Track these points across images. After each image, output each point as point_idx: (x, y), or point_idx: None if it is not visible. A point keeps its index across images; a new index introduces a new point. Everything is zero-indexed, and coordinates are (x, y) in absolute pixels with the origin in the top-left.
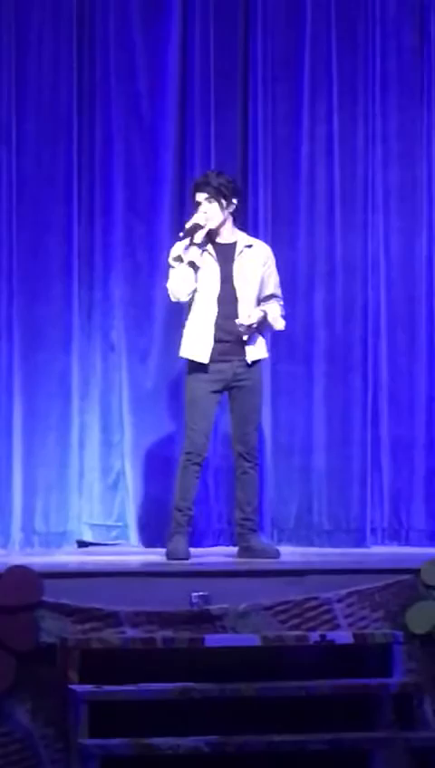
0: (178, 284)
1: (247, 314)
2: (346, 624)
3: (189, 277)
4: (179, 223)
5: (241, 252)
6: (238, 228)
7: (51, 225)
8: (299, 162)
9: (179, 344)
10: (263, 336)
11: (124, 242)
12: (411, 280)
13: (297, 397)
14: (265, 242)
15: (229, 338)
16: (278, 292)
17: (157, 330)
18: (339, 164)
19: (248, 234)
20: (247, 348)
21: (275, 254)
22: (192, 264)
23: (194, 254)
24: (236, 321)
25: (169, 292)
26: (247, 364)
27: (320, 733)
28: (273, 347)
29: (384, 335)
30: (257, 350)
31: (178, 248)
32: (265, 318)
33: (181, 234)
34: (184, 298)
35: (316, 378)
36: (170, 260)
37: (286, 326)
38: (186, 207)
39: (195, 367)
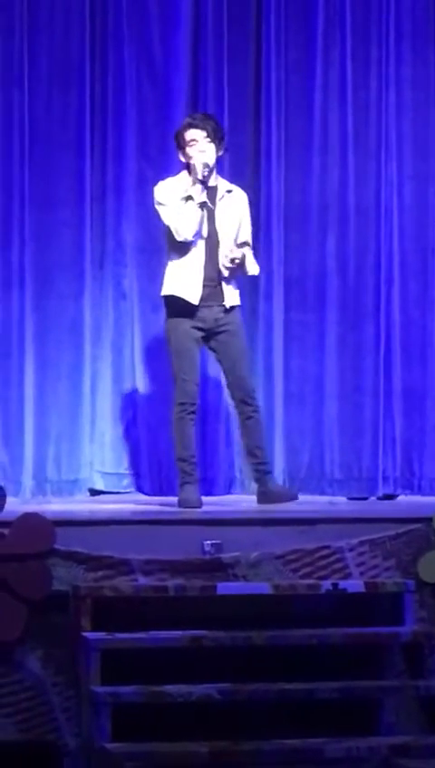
0: (187, 224)
1: (229, 250)
2: (358, 573)
3: (198, 217)
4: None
5: (222, 197)
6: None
7: (62, 171)
8: (312, 109)
9: None
10: (238, 284)
11: (136, 188)
12: (424, 228)
13: (309, 345)
14: (278, 188)
15: (211, 282)
16: (250, 240)
17: None
18: (352, 111)
19: (261, 181)
20: (226, 293)
21: (288, 201)
22: (203, 204)
23: (203, 194)
24: (222, 254)
25: (176, 230)
26: (226, 309)
27: (330, 681)
28: (285, 294)
29: (397, 283)
30: (234, 297)
31: (172, 187)
32: (242, 260)
33: (201, 174)
34: (191, 237)
35: (328, 326)
36: (177, 199)
37: (298, 272)
38: None
39: (178, 311)
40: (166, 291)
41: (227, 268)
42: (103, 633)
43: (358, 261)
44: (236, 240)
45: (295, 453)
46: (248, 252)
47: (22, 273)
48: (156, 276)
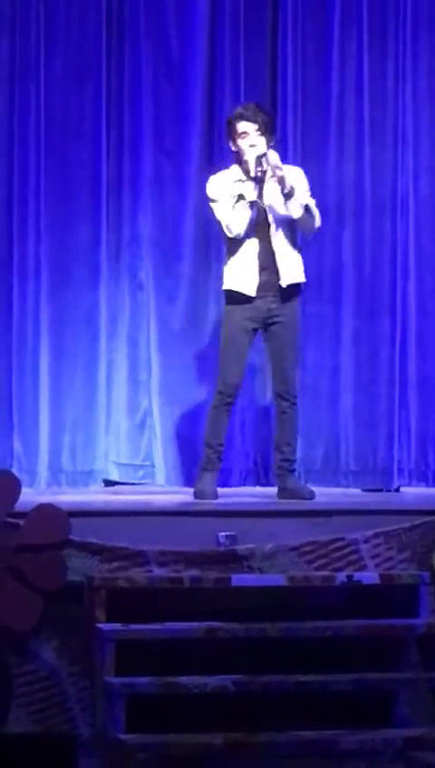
0: (239, 222)
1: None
2: (373, 565)
3: (249, 215)
4: (208, 161)
5: (272, 177)
6: None
7: (79, 163)
8: (329, 100)
9: (207, 284)
10: (299, 253)
11: (152, 180)
12: None
13: (325, 337)
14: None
15: (266, 269)
16: (310, 201)
17: (185, 270)
18: (369, 102)
19: None
20: (282, 274)
21: None
22: (253, 203)
23: (254, 192)
24: (273, 234)
25: (228, 228)
26: (281, 298)
27: (345, 673)
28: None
29: (413, 275)
30: (292, 274)
31: (223, 182)
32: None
33: (254, 172)
34: (243, 233)
35: (344, 318)
36: (227, 198)
37: (314, 265)
38: (214, 146)
39: (234, 300)
40: (225, 285)
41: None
42: (118, 624)
43: (374, 253)
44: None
45: (311, 445)
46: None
47: (38, 264)
48: (172, 268)
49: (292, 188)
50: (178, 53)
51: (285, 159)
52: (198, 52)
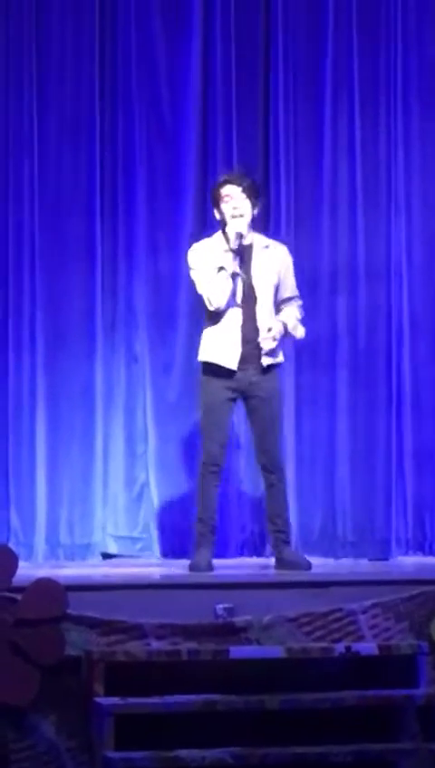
0: (219, 295)
1: (267, 328)
2: (371, 635)
3: (230, 287)
4: (202, 230)
5: (258, 253)
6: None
7: (73, 234)
8: (321, 169)
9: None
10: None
11: (147, 251)
12: (434, 287)
13: (320, 407)
14: (288, 249)
15: (248, 344)
16: (296, 293)
17: (180, 341)
18: (361, 171)
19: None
20: (263, 354)
21: (297, 261)
22: (235, 275)
23: (235, 263)
24: (259, 339)
25: (209, 301)
26: (262, 370)
27: (345, 744)
28: (296, 356)
29: (407, 344)
30: (273, 355)
31: (205, 250)
32: (285, 329)
33: (235, 244)
34: (223, 307)
35: (339, 388)
36: (208, 269)
37: (309, 335)
38: (208, 216)
39: (213, 372)
40: (202, 356)
41: (266, 346)
42: (116, 698)
43: (368, 321)
44: (277, 299)
45: (308, 515)
46: (292, 311)
47: (33, 336)
48: (167, 339)
49: (283, 331)
50: (170, 123)
51: (277, 228)
52: (190, 122)
